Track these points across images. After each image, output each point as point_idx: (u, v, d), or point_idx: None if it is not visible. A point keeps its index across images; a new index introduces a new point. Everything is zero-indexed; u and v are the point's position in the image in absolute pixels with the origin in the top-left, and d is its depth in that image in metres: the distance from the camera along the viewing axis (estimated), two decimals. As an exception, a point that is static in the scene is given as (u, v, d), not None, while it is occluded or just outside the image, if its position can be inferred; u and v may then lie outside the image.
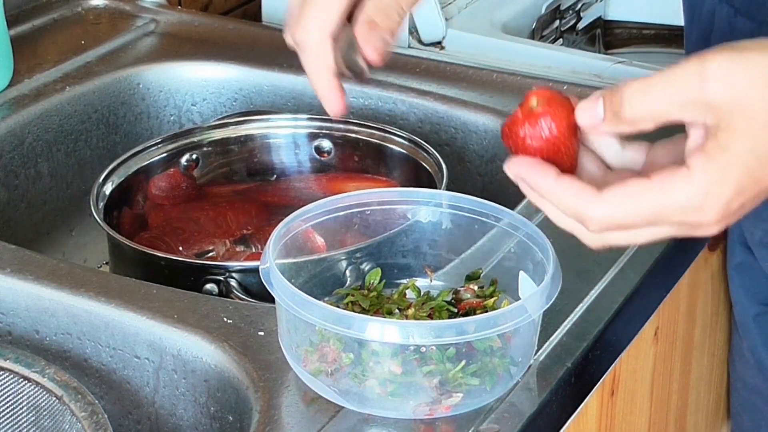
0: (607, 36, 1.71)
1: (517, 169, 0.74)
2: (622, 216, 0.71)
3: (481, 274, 0.94)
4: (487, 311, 0.89)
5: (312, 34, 0.85)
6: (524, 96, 0.75)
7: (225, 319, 0.92)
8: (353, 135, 1.24)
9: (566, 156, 0.74)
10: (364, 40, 0.84)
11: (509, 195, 1.20)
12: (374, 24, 0.84)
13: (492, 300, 0.90)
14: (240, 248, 1.19)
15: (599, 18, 1.69)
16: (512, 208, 0.98)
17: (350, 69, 0.87)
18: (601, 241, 0.74)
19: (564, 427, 0.91)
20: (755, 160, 0.69)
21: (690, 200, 0.69)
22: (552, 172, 0.73)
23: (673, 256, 1.06)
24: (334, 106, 0.87)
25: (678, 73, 0.69)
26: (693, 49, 1.02)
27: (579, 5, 1.62)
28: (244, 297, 1.01)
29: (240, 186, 1.25)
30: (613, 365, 0.98)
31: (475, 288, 0.92)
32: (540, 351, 0.90)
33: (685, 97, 0.69)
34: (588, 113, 0.72)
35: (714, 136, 0.69)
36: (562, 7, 1.58)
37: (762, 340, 1.13)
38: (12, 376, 0.87)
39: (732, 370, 1.24)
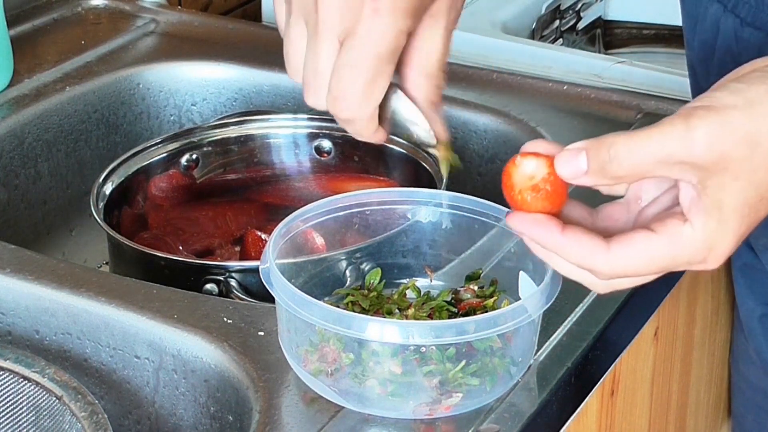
0: (607, 36, 1.71)
1: (520, 225, 0.74)
2: (632, 269, 0.73)
3: (481, 275, 0.94)
4: (487, 311, 0.89)
5: (361, 113, 0.79)
6: (515, 156, 0.75)
7: (225, 319, 0.92)
8: (353, 135, 1.24)
9: (561, 202, 0.74)
10: (434, 122, 0.82)
11: (509, 195, 1.20)
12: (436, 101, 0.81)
13: (492, 300, 0.90)
14: (239, 248, 1.19)
15: (599, 18, 1.69)
16: (512, 208, 0.98)
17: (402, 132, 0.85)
18: (610, 287, 0.76)
19: (564, 427, 0.91)
20: (747, 209, 0.72)
21: (696, 254, 0.72)
22: (556, 228, 0.73)
23: (673, 256, 1.06)
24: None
25: (665, 136, 0.71)
26: (696, 59, 1.02)
27: (579, 5, 1.62)
28: (244, 297, 1.01)
29: (240, 186, 1.25)
30: (613, 365, 0.98)
31: (475, 288, 0.92)
32: (540, 351, 0.90)
33: (672, 158, 0.70)
34: (570, 166, 0.73)
35: (707, 195, 0.71)
36: (562, 7, 1.58)
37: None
38: (12, 376, 0.87)
39: (735, 371, 1.23)
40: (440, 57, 0.81)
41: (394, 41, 0.77)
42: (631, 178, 0.72)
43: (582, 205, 0.77)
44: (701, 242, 0.71)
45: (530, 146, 0.75)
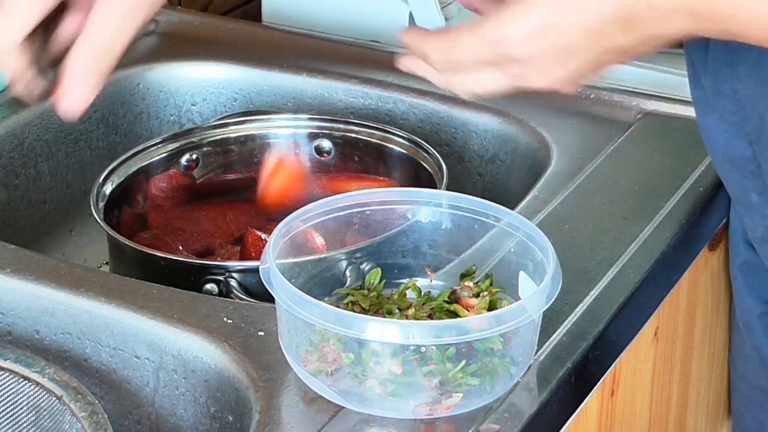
0: (607, 36, 1.70)
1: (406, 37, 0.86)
2: (450, 47, 0.82)
3: (475, 270, 0.94)
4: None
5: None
6: None
7: (225, 319, 0.92)
8: (353, 135, 1.24)
9: None
10: (62, 95, 0.85)
11: (509, 195, 1.20)
12: (80, 80, 0.84)
13: (488, 294, 0.90)
14: (239, 248, 1.19)
15: (599, 18, 1.68)
16: (512, 208, 0.98)
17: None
18: (445, 80, 0.85)
19: (564, 427, 0.91)
20: (556, 4, 0.78)
21: (492, 30, 0.80)
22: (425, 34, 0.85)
23: (673, 256, 1.06)
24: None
25: None
26: (692, 48, 1.02)
27: (579, 5, 1.62)
28: (244, 297, 1.01)
29: (240, 186, 1.25)
30: (613, 365, 0.98)
31: (471, 285, 0.92)
32: (540, 351, 0.90)
33: None
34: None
35: None
36: (562, 7, 1.58)
37: (767, 339, 1.12)
38: (12, 376, 0.87)
39: (733, 369, 1.23)
40: (109, 46, 0.84)
41: None
42: None
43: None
44: (497, 19, 0.79)
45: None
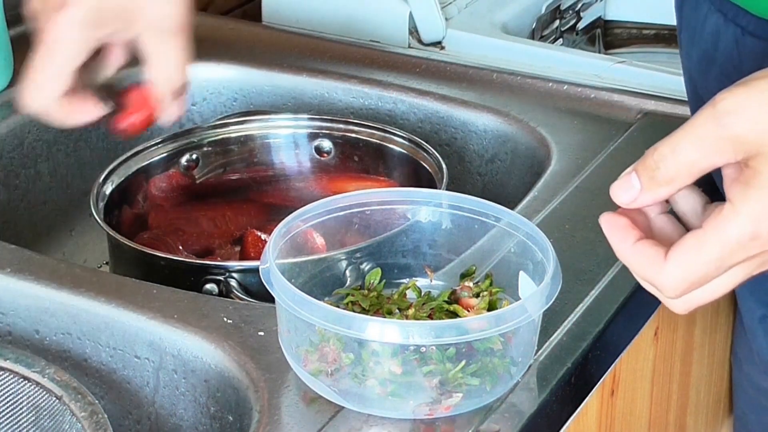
0: (607, 36, 1.71)
1: (604, 224, 0.74)
2: (690, 275, 0.70)
3: (475, 270, 0.94)
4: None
5: (44, 104, 0.95)
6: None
7: (225, 319, 0.93)
8: (353, 135, 1.24)
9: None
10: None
11: (509, 195, 1.20)
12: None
13: (488, 294, 0.90)
14: (239, 248, 1.19)
15: (599, 18, 1.69)
16: (512, 208, 0.98)
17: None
18: (685, 305, 0.73)
19: (564, 427, 0.91)
20: None
21: (743, 232, 0.68)
22: (631, 238, 0.72)
23: (673, 256, 1.06)
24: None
25: (695, 121, 0.69)
26: (695, 70, 1.02)
27: (579, 5, 1.62)
28: (244, 297, 1.01)
29: (240, 186, 1.25)
30: (613, 365, 0.98)
31: (471, 285, 0.92)
32: (540, 351, 0.90)
33: (708, 141, 0.68)
34: (624, 189, 0.72)
35: (746, 165, 0.69)
36: (562, 7, 1.58)
37: (768, 343, 1.12)
38: (12, 376, 0.87)
39: (738, 371, 1.23)
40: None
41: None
42: (684, 178, 0.70)
43: (699, 197, 0.74)
44: (743, 215, 0.68)
45: None
